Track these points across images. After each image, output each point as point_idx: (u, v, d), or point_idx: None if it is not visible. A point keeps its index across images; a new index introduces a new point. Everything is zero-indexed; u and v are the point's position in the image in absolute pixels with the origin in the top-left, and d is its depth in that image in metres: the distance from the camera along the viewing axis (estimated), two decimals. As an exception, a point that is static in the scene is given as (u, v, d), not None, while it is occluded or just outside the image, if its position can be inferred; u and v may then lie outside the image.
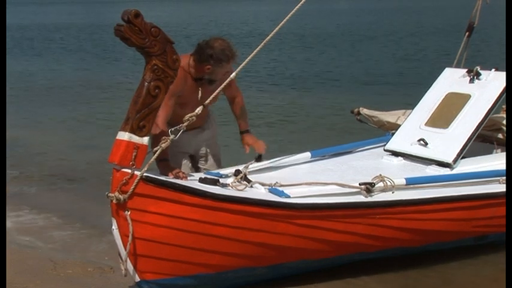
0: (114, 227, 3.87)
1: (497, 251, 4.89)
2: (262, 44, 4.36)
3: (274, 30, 4.24)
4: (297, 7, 4.41)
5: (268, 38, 4.25)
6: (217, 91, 4.24)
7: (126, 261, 3.88)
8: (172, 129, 3.99)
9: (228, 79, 4.26)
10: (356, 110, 6.56)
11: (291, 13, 4.29)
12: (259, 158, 5.11)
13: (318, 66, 18.13)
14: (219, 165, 5.18)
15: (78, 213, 6.25)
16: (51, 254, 5.12)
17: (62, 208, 6.40)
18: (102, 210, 5.32)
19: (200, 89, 4.72)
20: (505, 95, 5.36)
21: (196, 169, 5.09)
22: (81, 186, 7.27)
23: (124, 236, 3.84)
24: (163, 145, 3.93)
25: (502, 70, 5.51)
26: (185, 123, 4.00)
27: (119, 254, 3.94)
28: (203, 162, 5.16)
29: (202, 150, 5.16)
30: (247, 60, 4.34)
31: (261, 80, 15.44)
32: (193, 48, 4.78)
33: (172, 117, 4.51)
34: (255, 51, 4.35)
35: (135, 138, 3.78)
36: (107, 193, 3.81)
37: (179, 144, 4.66)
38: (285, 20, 4.27)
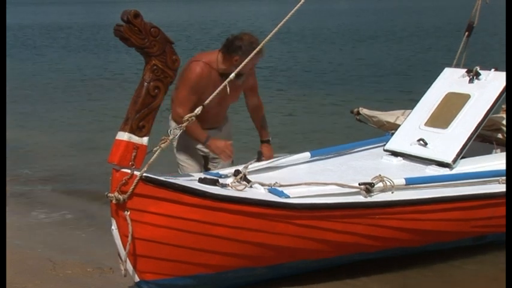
0: (114, 227, 3.87)
1: (497, 250, 4.89)
2: (262, 44, 4.38)
3: (274, 30, 4.22)
4: (297, 7, 4.40)
5: (268, 38, 4.25)
6: (217, 91, 4.21)
7: (125, 261, 3.88)
8: (172, 129, 4.00)
9: (228, 79, 4.25)
10: (356, 110, 6.56)
11: (291, 13, 4.28)
12: (259, 158, 5.12)
13: (318, 66, 18.13)
14: None
15: (77, 213, 6.25)
16: (51, 254, 5.11)
17: (62, 208, 6.40)
18: (102, 210, 5.34)
19: (227, 84, 4.69)
20: (504, 95, 5.36)
21: (208, 170, 5.09)
22: (81, 186, 7.27)
23: (123, 236, 3.84)
24: (163, 145, 3.93)
25: (501, 70, 5.50)
26: (185, 124, 4.02)
27: (119, 254, 3.93)
28: (215, 164, 5.15)
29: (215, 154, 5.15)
30: (247, 59, 4.35)
31: (261, 79, 15.39)
32: (196, 49, 4.80)
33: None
34: (255, 51, 4.36)
35: (135, 139, 3.78)
36: (106, 193, 3.81)
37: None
38: (284, 20, 4.26)
